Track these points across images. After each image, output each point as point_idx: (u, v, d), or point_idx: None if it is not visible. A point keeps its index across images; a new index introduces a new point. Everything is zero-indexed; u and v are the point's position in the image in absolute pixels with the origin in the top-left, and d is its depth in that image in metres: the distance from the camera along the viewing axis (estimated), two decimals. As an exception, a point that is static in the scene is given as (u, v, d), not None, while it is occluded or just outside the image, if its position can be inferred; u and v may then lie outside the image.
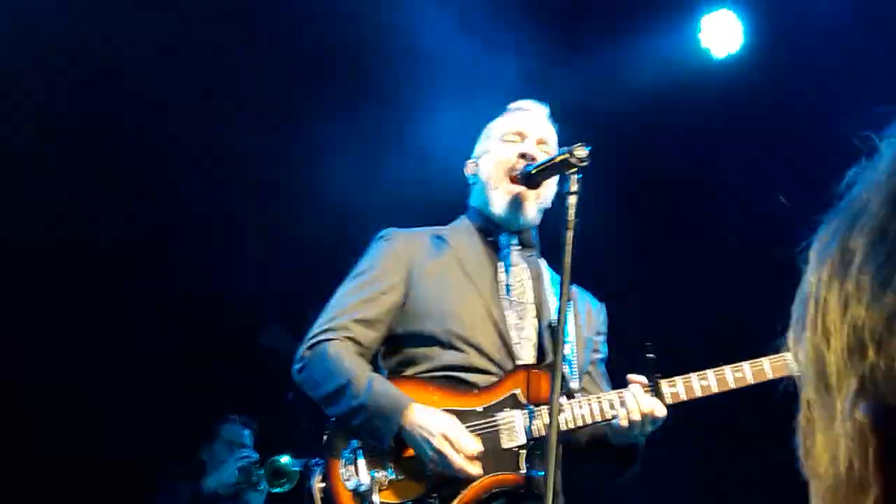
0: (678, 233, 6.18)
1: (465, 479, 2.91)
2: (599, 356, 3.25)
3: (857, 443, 0.85)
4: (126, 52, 5.36)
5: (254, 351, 6.10)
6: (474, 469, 2.89)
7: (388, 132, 5.62)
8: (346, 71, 5.73)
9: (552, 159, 2.79)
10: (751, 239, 6.02)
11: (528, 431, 2.94)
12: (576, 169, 2.70)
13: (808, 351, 0.95)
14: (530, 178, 2.91)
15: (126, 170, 5.91)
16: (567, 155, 2.70)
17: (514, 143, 3.19)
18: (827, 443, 0.91)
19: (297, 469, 5.38)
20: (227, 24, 5.52)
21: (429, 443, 2.87)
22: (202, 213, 5.92)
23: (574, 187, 2.67)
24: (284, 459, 5.43)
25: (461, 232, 3.26)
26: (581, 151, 2.67)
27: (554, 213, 3.14)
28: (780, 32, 5.51)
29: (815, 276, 0.95)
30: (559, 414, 2.85)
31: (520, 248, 3.21)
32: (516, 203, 3.12)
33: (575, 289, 3.26)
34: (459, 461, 2.86)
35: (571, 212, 2.65)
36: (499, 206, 3.15)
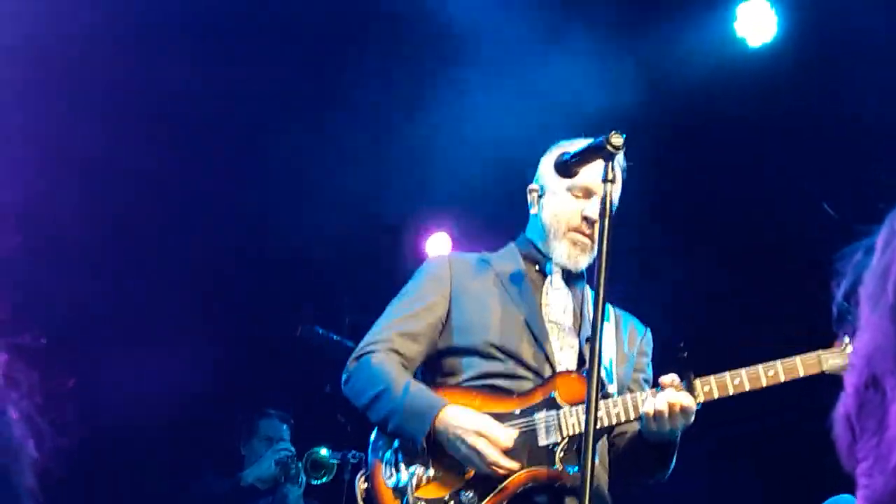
0: (712, 224, 6.15)
1: (502, 475, 2.96)
2: (643, 376, 3.31)
3: None
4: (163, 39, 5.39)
5: (291, 347, 6.15)
6: (509, 463, 2.96)
7: (427, 119, 5.64)
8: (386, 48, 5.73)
9: (588, 147, 2.79)
10: (786, 230, 5.99)
11: (563, 429, 3.00)
12: (611, 157, 2.69)
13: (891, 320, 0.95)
14: (566, 167, 2.91)
15: (162, 165, 5.97)
16: (603, 143, 2.69)
17: (579, 198, 3.25)
18: None
19: (334, 461, 5.43)
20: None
21: (462, 441, 2.95)
22: (241, 208, 5.97)
23: (610, 175, 2.66)
24: (323, 452, 5.47)
25: (507, 257, 3.38)
26: (617, 139, 2.67)
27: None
28: (814, 20, 5.46)
29: None
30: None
31: (565, 275, 3.29)
32: (576, 256, 3.24)
33: (619, 312, 3.38)
34: (494, 455, 2.94)
35: (608, 200, 2.64)
36: (559, 255, 3.26)
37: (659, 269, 5.97)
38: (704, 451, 5.78)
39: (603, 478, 3.14)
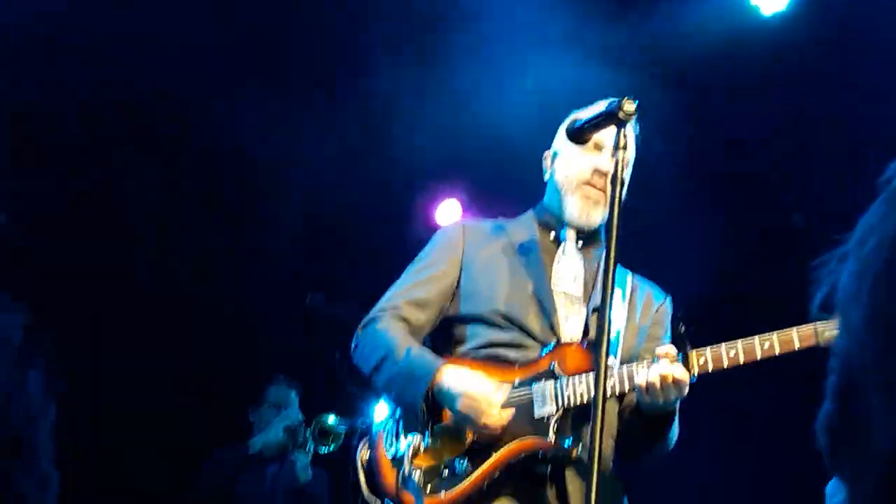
0: (721, 194, 6.13)
1: (495, 440, 2.97)
2: (658, 346, 3.17)
3: None
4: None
5: (301, 314, 6.16)
6: (497, 420, 2.95)
7: (435, 87, 5.62)
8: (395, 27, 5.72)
9: (600, 114, 2.76)
10: (796, 201, 5.96)
11: (559, 400, 2.99)
12: (623, 123, 2.66)
13: (879, 309, 0.93)
14: (579, 134, 2.89)
15: (165, 148, 5.98)
16: (615, 109, 2.66)
17: (590, 154, 3.21)
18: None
19: (343, 429, 5.44)
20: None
21: (455, 402, 2.95)
22: (251, 179, 5.98)
23: (622, 142, 2.63)
24: (331, 419, 5.48)
25: (522, 224, 3.36)
26: (629, 106, 2.64)
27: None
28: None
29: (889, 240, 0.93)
30: (589, 385, 2.93)
31: (580, 243, 3.26)
32: (588, 210, 3.21)
33: (637, 281, 3.34)
34: (482, 416, 2.94)
35: (620, 167, 2.62)
36: (572, 211, 3.23)
37: (671, 240, 5.95)
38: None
39: (608, 449, 3.11)
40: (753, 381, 4.98)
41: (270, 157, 5.85)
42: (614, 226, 2.53)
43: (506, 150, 5.21)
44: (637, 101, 2.63)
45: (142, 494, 5.86)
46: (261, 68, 5.70)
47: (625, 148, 2.62)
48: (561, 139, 3.34)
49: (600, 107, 3.22)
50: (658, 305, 3.32)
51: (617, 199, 2.57)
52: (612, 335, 3.11)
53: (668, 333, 3.28)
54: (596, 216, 3.22)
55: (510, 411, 2.98)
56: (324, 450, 5.55)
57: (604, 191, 3.18)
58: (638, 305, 3.28)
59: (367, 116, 5.90)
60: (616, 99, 2.66)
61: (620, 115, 2.64)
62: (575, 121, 2.91)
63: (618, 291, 3.22)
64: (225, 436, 5.81)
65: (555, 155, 3.36)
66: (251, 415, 5.88)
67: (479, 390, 2.95)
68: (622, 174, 2.60)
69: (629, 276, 3.31)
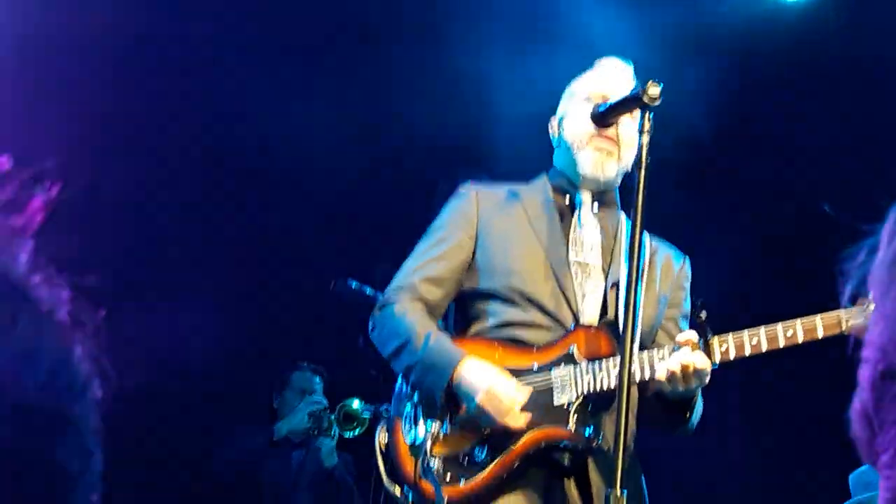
0: (743, 182, 6.11)
1: (512, 432, 2.96)
2: (680, 312, 3.24)
3: None
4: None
5: (325, 300, 6.19)
6: (518, 422, 2.94)
7: (447, 69, 5.62)
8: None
9: (624, 98, 2.77)
10: (820, 192, 5.93)
11: (579, 387, 2.96)
12: (648, 107, 2.67)
13: None
14: (602, 118, 2.90)
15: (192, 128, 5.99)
16: (639, 93, 2.67)
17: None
18: None
19: (367, 414, 5.46)
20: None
21: (474, 398, 2.93)
22: (276, 164, 6.00)
23: (647, 126, 2.64)
24: (355, 404, 5.50)
25: (536, 190, 3.30)
26: (654, 90, 2.65)
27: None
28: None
29: None
30: (609, 372, 2.93)
31: (596, 207, 3.22)
32: (602, 161, 3.15)
33: (656, 244, 3.28)
34: (503, 416, 2.92)
35: (644, 151, 2.63)
36: (585, 165, 3.16)
37: (693, 232, 5.93)
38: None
39: (630, 433, 3.07)
40: (778, 365, 4.97)
41: (288, 140, 5.87)
42: (639, 214, 2.55)
43: (529, 131, 5.21)
44: (662, 85, 2.64)
45: (167, 473, 5.91)
46: (274, 46, 5.70)
47: (649, 132, 2.63)
48: (566, 101, 3.31)
49: (604, 69, 3.24)
50: (678, 269, 3.28)
51: (642, 182, 2.59)
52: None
53: (688, 299, 3.24)
54: (610, 168, 3.16)
55: (528, 415, 2.95)
56: (349, 434, 5.57)
57: (615, 140, 3.13)
58: (657, 272, 3.23)
59: (392, 102, 5.90)
60: (638, 83, 2.67)
61: (645, 98, 2.65)
62: (598, 105, 2.93)
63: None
64: (248, 420, 5.85)
65: (561, 118, 3.31)
66: (275, 400, 5.92)
67: (501, 389, 2.93)
68: (647, 158, 2.62)
69: (647, 239, 3.25)
